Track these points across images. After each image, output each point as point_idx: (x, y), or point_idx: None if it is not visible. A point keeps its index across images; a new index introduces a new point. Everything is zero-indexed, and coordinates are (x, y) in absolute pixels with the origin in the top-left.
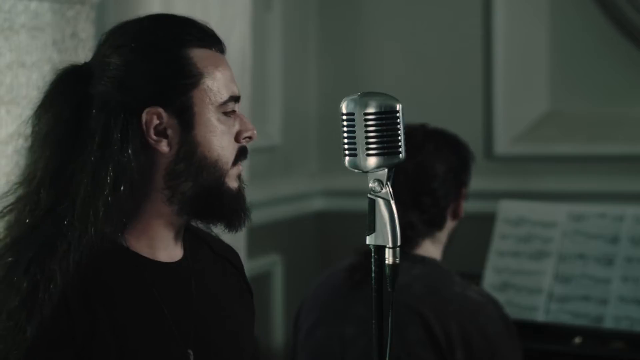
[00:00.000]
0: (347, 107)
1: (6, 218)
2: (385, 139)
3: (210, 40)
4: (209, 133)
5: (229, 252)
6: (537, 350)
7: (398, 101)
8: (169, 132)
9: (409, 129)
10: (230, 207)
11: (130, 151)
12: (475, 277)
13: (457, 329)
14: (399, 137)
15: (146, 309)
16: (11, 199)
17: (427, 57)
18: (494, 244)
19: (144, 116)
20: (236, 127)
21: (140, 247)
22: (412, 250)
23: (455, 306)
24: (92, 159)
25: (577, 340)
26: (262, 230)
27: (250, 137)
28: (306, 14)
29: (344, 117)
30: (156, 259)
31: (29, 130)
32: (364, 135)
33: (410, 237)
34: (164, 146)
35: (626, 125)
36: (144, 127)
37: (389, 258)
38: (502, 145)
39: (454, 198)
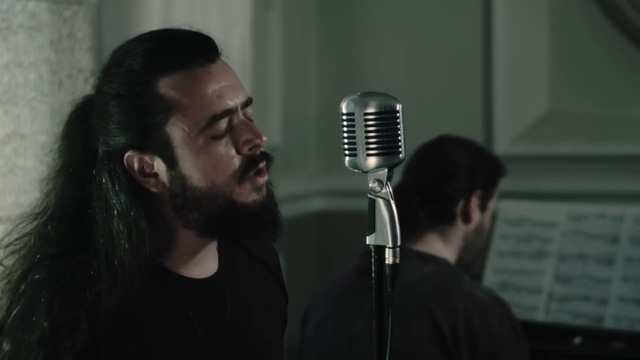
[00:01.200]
0: (347, 107)
1: (19, 249)
2: (385, 139)
3: (188, 56)
4: (196, 163)
5: (266, 254)
6: (537, 350)
7: (398, 101)
8: (155, 171)
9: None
10: (250, 224)
11: (123, 199)
12: (476, 277)
13: (463, 326)
14: (399, 137)
15: (179, 329)
16: (26, 230)
17: (427, 57)
18: (494, 244)
19: (125, 162)
20: (236, 140)
21: (173, 264)
22: (415, 244)
23: (463, 304)
24: (97, 210)
25: (577, 340)
26: None
27: (257, 145)
28: (306, 14)
29: (344, 117)
30: (190, 276)
31: (50, 162)
32: (364, 135)
33: (408, 218)
34: (154, 187)
35: (626, 125)
36: (129, 172)
37: (389, 258)
38: (502, 145)
39: (464, 197)
